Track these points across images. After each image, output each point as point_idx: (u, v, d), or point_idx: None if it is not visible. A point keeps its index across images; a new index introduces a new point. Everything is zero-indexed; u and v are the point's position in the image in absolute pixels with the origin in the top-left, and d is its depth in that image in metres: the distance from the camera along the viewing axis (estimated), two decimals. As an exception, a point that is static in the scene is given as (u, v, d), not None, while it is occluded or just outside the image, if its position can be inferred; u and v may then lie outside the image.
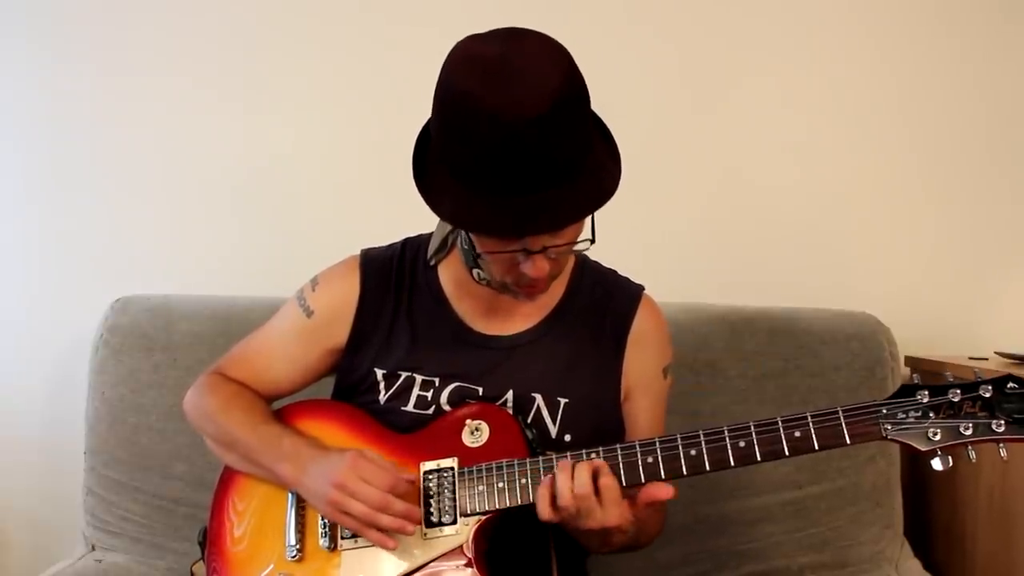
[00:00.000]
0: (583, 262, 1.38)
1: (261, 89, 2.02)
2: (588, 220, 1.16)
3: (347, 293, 1.35)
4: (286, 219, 2.04)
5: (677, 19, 1.99)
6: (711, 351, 1.77)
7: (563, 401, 1.30)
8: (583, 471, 1.14)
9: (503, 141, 1.05)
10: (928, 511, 1.87)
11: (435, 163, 1.15)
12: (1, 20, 2.03)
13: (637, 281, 1.41)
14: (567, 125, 1.07)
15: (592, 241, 1.17)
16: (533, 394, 1.30)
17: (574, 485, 1.14)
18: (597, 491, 1.14)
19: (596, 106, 1.17)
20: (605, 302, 1.36)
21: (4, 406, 2.07)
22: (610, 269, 1.41)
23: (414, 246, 1.38)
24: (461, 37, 1.14)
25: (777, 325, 1.79)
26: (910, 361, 1.88)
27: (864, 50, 1.99)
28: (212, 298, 1.89)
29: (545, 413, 1.30)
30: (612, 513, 1.14)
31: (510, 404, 1.30)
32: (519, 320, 1.33)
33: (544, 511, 1.16)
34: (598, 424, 1.31)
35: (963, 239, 2.00)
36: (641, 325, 1.36)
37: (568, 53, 1.12)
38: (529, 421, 1.29)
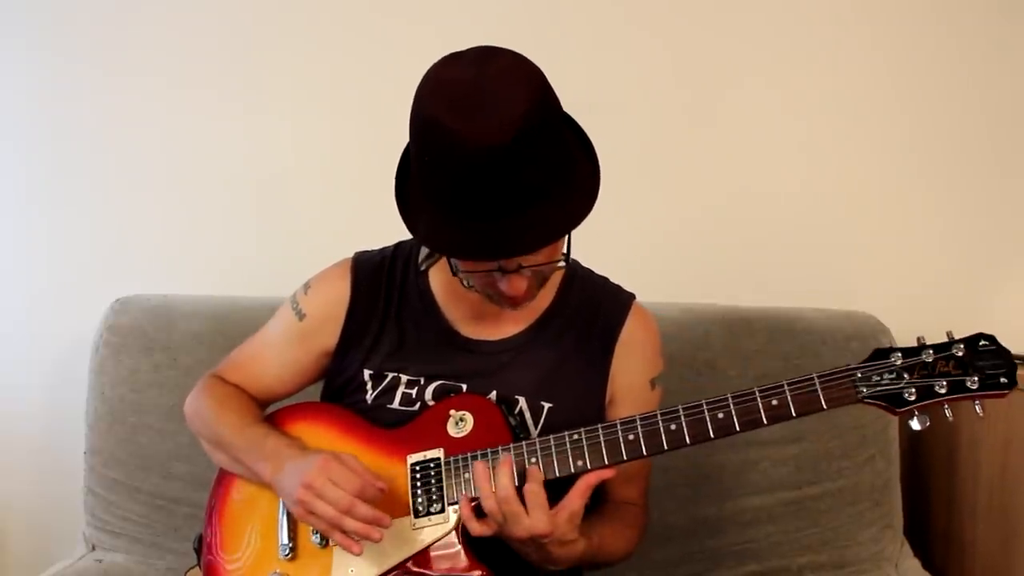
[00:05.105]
0: (574, 269, 1.38)
1: (261, 90, 2.02)
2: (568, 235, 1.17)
3: (338, 296, 1.37)
4: (286, 219, 2.04)
5: (678, 19, 1.99)
6: (711, 351, 1.77)
7: (546, 406, 1.31)
8: (501, 474, 1.16)
9: (468, 169, 1.07)
10: (928, 511, 1.87)
11: (412, 182, 1.19)
12: (1, 20, 2.03)
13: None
14: (533, 152, 1.08)
15: (567, 261, 1.18)
16: (516, 396, 1.31)
17: (495, 488, 1.15)
18: (522, 498, 1.15)
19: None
20: (594, 309, 1.37)
21: (4, 406, 2.07)
22: (602, 277, 1.42)
23: (405, 250, 1.40)
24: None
25: (777, 325, 1.79)
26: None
27: (863, 49, 1.98)
28: (212, 298, 1.89)
29: (528, 416, 1.31)
30: (539, 519, 1.14)
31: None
32: (507, 326, 1.34)
33: (473, 526, 1.17)
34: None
35: (963, 239, 2.00)
36: (630, 333, 1.36)
37: (540, 75, 1.12)
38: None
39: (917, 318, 1.94)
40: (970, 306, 2.00)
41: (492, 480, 1.17)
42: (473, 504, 1.19)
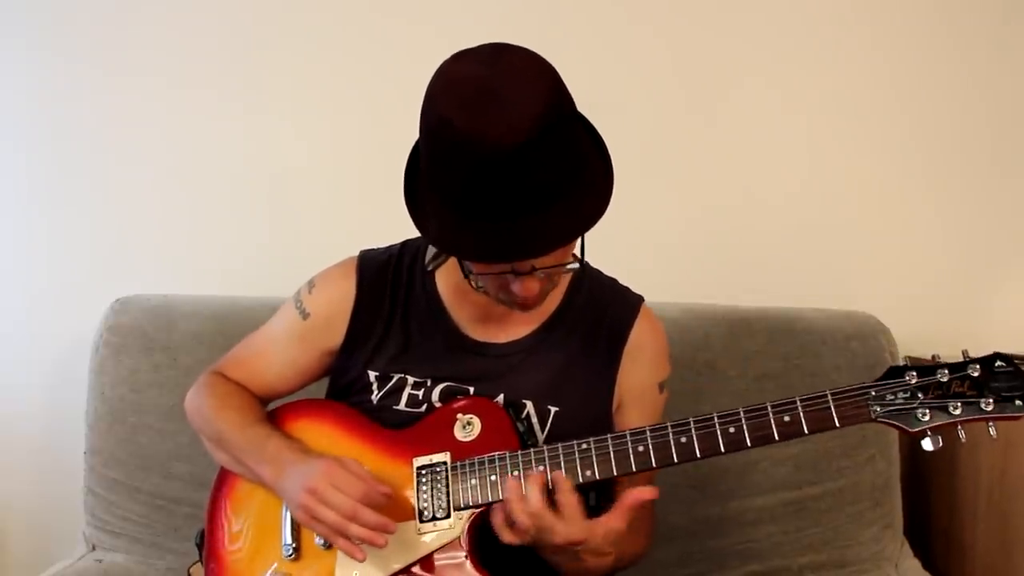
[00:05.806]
0: (583, 270, 1.36)
1: (261, 89, 2.02)
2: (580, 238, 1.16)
3: (343, 296, 1.35)
4: (287, 219, 2.04)
5: (679, 19, 1.99)
6: (711, 351, 1.77)
7: (553, 410, 1.30)
8: (532, 488, 1.14)
9: (481, 171, 1.05)
10: (928, 511, 1.87)
11: (422, 183, 1.16)
12: (1, 20, 2.03)
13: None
14: (547, 153, 1.06)
15: (580, 263, 1.17)
16: (524, 400, 1.30)
17: (526, 503, 1.14)
18: (556, 506, 1.14)
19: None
20: (602, 312, 1.35)
21: (4, 406, 2.07)
22: (610, 278, 1.40)
23: (412, 249, 1.38)
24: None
25: (777, 325, 1.79)
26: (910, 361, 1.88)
27: (864, 49, 1.98)
28: (212, 298, 1.89)
29: (534, 420, 1.30)
30: (575, 527, 1.13)
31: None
32: (514, 328, 1.33)
33: (504, 535, 1.16)
34: (587, 434, 1.27)
35: (963, 239, 2.00)
36: (638, 336, 1.35)
37: (553, 73, 1.09)
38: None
39: (917, 318, 1.96)
40: (970, 306, 2.00)
41: (524, 492, 1.15)
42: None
